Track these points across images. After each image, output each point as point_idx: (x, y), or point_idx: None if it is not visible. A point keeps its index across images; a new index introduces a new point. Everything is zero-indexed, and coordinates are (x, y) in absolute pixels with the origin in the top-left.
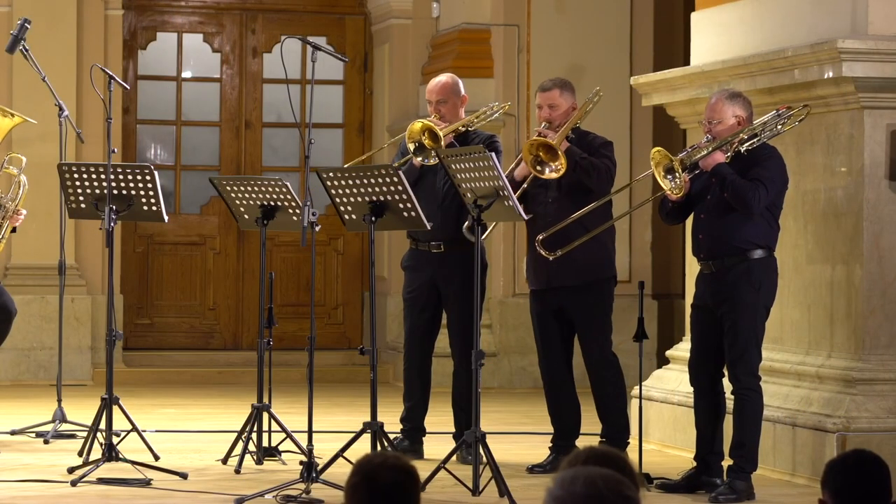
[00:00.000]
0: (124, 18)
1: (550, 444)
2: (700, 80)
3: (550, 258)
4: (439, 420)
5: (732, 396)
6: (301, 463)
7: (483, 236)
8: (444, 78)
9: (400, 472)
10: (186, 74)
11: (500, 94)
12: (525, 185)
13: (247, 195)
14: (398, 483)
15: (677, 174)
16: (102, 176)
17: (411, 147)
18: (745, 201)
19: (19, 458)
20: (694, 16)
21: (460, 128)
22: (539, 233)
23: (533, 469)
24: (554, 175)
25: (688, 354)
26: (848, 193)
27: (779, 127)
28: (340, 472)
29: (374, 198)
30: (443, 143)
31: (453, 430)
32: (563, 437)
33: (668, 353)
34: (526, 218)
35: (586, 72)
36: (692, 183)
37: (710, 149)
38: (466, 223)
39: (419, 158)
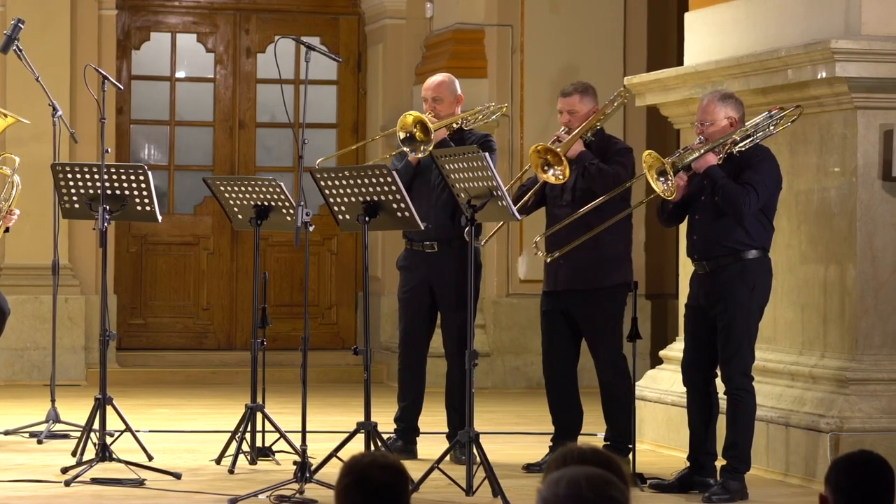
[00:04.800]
0: (118, 18)
1: (550, 444)
2: (693, 81)
3: (548, 259)
4: (433, 420)
5: (725, 397)
6: (295, 463)
7: (484, 242)
8: (441, 76)
9: (391, 471)
10: (180, 74)
11: (493, 94)
12: (537, 187)
13: (240, 195)
14: (390, 483)
15: (669, 177)
16: (96, 176)
17: (401, 135)
18: (735, 206)
19: (13, 458)
20: (687, 16)
21: (453, 124)
22: (552, 232)
23: (529, 468)
24: (553, 179)
25: (681, 354)
26: (841, 194)
27: (771, 128)
28: (334, 472)
29: (368, 198)
30: (433, 136)
31: (447, 430)
32: (563, 437)
33: (662, 353)
34: (519, 218)
35: (580, 72)
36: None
37: (703, 151)
38: (467, 228)
39: (408, 149)
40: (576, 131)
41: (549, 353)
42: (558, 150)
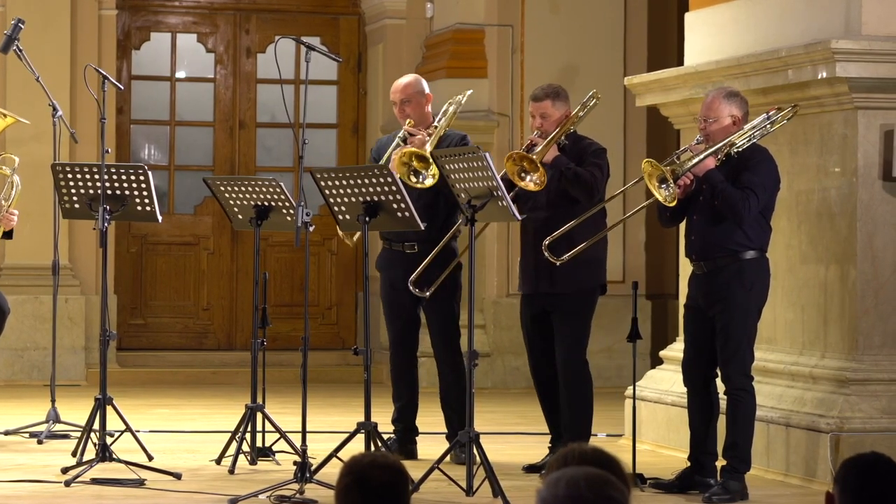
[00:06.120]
0: (118, 18)
1: (549, 445)
2: (694, 81)
3: (558, 263)
4: (432, 420)
5: (725, 397)
6: (295, 463)
7: (450, 236)
8: (407, 78)
9: (390, 471)
10: (180, 74)
11: (493, 94)
12: (516, 191)
13: (240, 195)
14: (390, 483)
15: (670, 183)
16: (96, 176)
17: (404, 172)
18: (735, 210)
19: (13, 458)
20: (688, 16)
21: (437, 137)
22: (528, 235)
23: (529, 468)
24: (533, 186)
25: (681, 355)
26: (842, 194)
27: (768, 127)
28: (334, 472)
29: (368, 198)
30: (429, 154)
31: (446, 430)
32: (560, 438)
33: (662, 353)
34: (520, 218)
35: (580, 72)
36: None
37: (702, 156)
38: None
39: (415, 180)
40: (551, 136)
41: (534, 359)
42: (534, 157)
